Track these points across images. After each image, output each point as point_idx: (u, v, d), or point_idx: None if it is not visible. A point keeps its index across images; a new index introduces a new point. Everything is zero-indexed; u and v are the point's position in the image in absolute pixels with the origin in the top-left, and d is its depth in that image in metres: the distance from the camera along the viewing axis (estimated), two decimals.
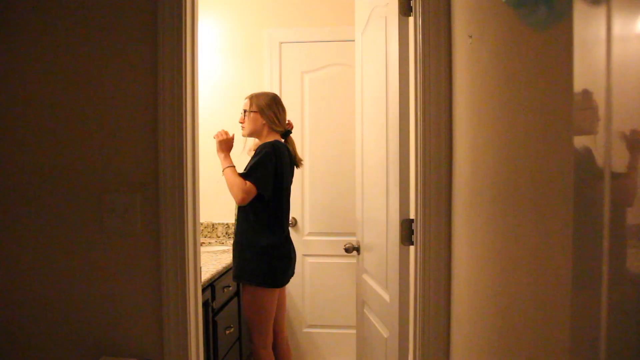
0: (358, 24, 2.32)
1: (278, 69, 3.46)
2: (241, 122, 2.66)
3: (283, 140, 2.64)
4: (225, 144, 2.58)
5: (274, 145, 2.51)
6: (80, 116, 1.54)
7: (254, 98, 2.63)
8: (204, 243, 3.37)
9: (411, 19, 1.63)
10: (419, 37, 1.52)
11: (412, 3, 1.62)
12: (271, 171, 2.48)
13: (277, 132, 2.62)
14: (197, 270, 1.58)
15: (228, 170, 2.50)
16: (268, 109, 2.59)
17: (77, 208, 1.54)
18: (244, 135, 2.71)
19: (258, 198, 2.47)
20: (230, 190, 2.47)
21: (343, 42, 3.36)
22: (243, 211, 2.53)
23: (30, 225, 1.56)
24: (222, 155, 2.55)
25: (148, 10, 1.51)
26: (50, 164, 1.55)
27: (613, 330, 0.61)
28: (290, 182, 2.67)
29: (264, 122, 2.60)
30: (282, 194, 2.57)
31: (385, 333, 1.89)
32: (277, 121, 2.61)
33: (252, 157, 2.53)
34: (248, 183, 2.43)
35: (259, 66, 3.49)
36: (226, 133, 2.60)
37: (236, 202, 2.48)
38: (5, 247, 1.57)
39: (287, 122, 2.71)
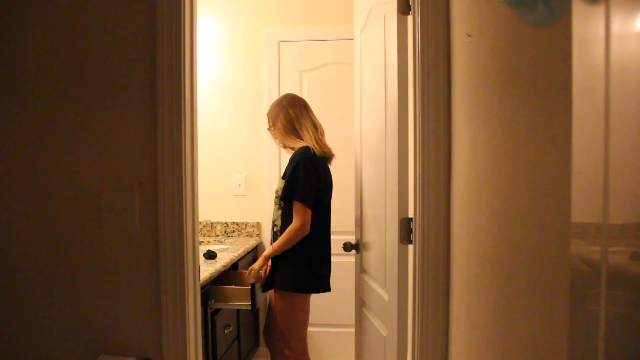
0: (357, 23, 2.32)
1: (277, 68, 3.46)
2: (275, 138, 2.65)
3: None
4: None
5: (304, 152, 2.46)
6: (80, 115, 1.54)
7: (269, 114, 2.61)
8: (202, 242, 3.37)
9: (410, 18, 1.62)
10: (418, 35, 1.52)
11: (410, 2, 1.62)
12: (309, 179, 2.42)
13: (301, 133, 2.53)
14: (195, 268, 1.58)
15: (275, 248, 2.46)
16: (278, 118, 2.55)
17: (75, 207, 1.54)
18: (277, 144, 2.70)
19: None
20: (295, 242, 2.43)
21: (342, 41, 3.36)
22: (286, 219, 2.48)
23: (28, 223, 1.56)
24: (263, 259, 2.53)
25: (147, 10, 1.50)
26: (49, 163, 1.55)
27: (611, 331, 0.62)
28: (329, 189, 2.60)
29: (282, 132, 2.54)
30: (321, 201, 2.53)
31: (384, 332, 1.89)
32: (288, 125, 2.53)
33: (287, 170, 2.48)
34: (296, 221, 2.39)
35: (257, 65, 3.49)
36: (256, 271, 2.55)
37: (304, 235, 2.42)
38: (3, 245, 1.57)
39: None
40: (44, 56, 1.54)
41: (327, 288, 2.60)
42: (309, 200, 2.41)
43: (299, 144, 2.52)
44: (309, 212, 2.42)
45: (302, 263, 2.48)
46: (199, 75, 1.69)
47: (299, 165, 2.42)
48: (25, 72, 1.54)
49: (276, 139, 2.63)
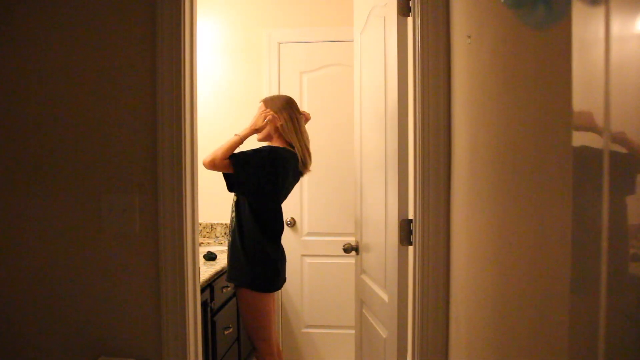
0: (357, 24, 2.32)
1: (277, 69, 3.46)
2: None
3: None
4: (262, 128, 2.48)
5: (272, 150, 2.42)
6: (80, 116, 1.54)
7: (268, 102, 2.54)
8: (202, 243, 3.37)
9: (410, 19, 1.63)
10: (418, 37, 1.52)
11: (410, 3, 1.62)
12: (252, 174, 2.38)
13: (288, 138, 2.49)
14: (195, 270, 1.58)
15: (234, 138, 2.41)
16: (281, 112, 2.48)
17: (75, 208, 1.54)
18: (259, 140, 2.59)
19: (255, 197, 2.41)
20: (216, 149, 2.39)
21: (342, 43, 3.36)
22: (242, 214, 2.43)
23: (28, 224, 1.56)
24: (248, 129, 2.47)
25: (147, 11, 1.51)
26: (49, 164, 1.55)
27: (611, 331, 0.62)
28: (290, 190, 2.58)
29: (276, 126, 2.49)
30: (280, 200, 2.52)
31: (383, 333, 1.89)
32: (291, 125, 2.49)
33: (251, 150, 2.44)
34: (226, 160, 2.37)
35: (257, 66, 3.49)
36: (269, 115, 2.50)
37: (203, 161, 2.35)
38: (4, 246, 1.57)
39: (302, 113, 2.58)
40: (44, 55, 1.54)
41: (282, 284, 2.59)
42: (242, 170, 2.37)
43: (277, 144, 2.49)
44: (221, 170, 2.38)
45: (269, 262, 2.44)
46: (198, 76, 1.69)
47: (259, 156, 2.38)
48: (25, 71, 1.54)
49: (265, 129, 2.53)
